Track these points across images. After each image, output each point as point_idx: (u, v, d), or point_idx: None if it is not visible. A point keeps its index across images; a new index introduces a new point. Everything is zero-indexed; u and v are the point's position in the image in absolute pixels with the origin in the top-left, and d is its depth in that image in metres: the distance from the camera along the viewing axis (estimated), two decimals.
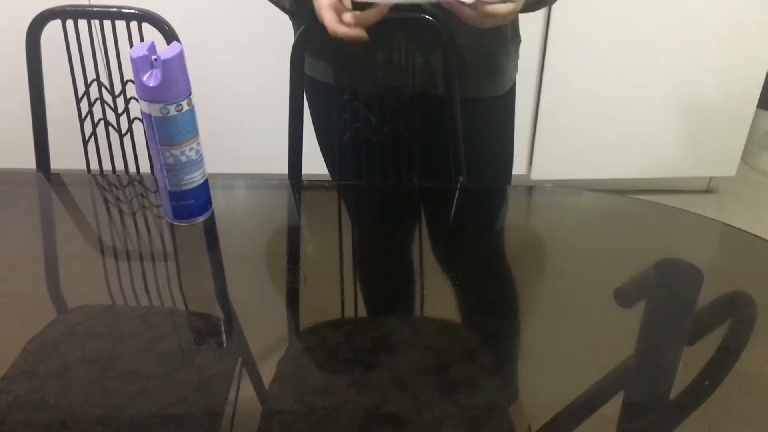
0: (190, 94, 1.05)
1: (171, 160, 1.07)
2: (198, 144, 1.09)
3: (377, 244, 1.20)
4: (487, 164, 1.40)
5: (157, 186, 1.13)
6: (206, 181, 1.14)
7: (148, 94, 1.02)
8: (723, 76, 2.29)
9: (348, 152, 1.37)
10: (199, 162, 1.11)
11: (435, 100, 1.30)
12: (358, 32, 1.06)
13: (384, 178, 1.37)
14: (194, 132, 1.08)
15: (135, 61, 1.00)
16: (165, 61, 1.00)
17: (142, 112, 1.05)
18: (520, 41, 1.35)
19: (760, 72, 2.28)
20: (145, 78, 1.01)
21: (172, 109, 1.03)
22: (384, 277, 1.11)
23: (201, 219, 1.16)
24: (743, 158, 2.52)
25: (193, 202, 1.13)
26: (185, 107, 1.04)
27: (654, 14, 2.16)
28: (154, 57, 1.00)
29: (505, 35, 1.30)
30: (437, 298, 1.05)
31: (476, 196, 1.30)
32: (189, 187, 1.11)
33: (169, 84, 1.01)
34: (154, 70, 1.01)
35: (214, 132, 1.85)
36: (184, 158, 1.08)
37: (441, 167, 1.36)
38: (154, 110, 1.03)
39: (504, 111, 1.39)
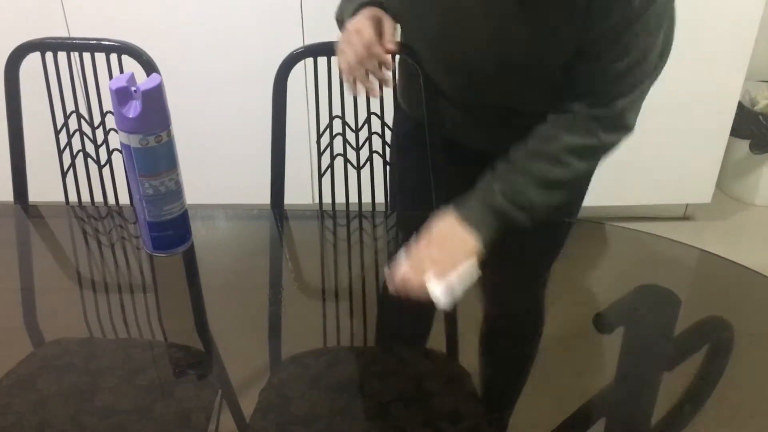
0: (169, 125, 1.05)
1: (150, 191, 1.07)
2: (177, 175, 1.09)
3: (361, 272, 1.20)
4: None
5: (137, 217, 1.13)
6: (186, 211, 1.14)
7: (127, 125, 1.02)
8: (697, 105, 2.33)
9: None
10: (178, 192, 1.10)
11: None
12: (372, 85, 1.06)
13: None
14: (174, 163, 1.08)
15: (114, 93, 1.00)
16: (144, 93, 1.00)
17: (122, 143, 1.05)
18: None
19: (733, 101, 2.33)
20: (124, 109, 1.01)
21: (152, 140, 1.03)
22: (367, 306, 1.11)
23: (180, 249, 1.15)
24: (718, 185, 2.56)
25: (173, 233, 1.13)
26: (165, 138, 1.04)
27: None
28: (133, 88, 1.01)
29: None
30: (420, 326, 1.05)
31: None
32: (168, 217, 1.11)
33: (149, 115, 1.02)
34: (134, 102, 1.01)
35: (194, 162, 1.84)
36: (163, 189, 1.07)
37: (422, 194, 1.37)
38: (134, 141, 1.03)
39: None
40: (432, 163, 1.33)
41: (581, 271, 1.18)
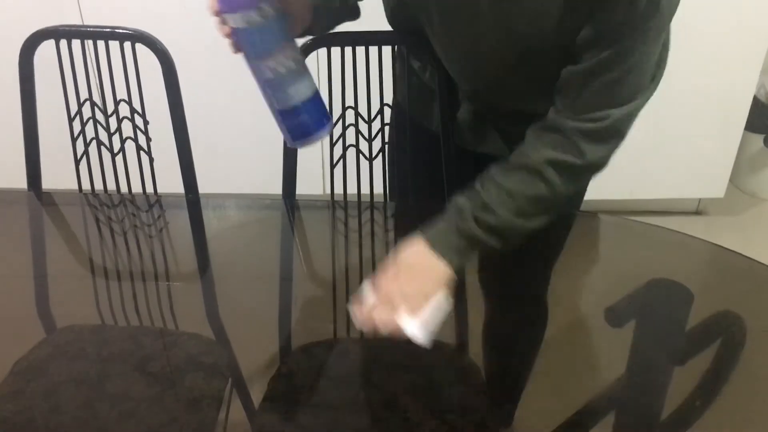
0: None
1: (270, 75, 0.98)
2: (296, 52, 0.99)
3: (372, 263, 1.20)
4: None
5: (273, 115, 1.03)
6: (317, 92, 1.02)
7: (227, 4, 0.93)
8: (711, 99, 2.31)
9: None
10: (301, 72, 0.99)
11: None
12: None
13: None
14: (285, 39, 0.98)
15: None
16: None
17: (234, 30, 0.97)
18: None
19: (748, 95, 2.31)
20: None
21: (255, 16, 0.93)
22: None
23: (322, 135, 1.03)
24: (732, 180, 2.54)
25: (307, 117, 1.02)
26: (269, 12, 0.94)
27: None
28: None
29: None
30: None
31: None
32: (297, 101, 1.00)
33: None
34: None
35: (207, 152, 1.85)
36: (283, 70, 0.97)
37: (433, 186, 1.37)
38: (239, 21, 0.94)
39: None
40: (446, 168, 1.32)
41: (593, 264, 1.17)
